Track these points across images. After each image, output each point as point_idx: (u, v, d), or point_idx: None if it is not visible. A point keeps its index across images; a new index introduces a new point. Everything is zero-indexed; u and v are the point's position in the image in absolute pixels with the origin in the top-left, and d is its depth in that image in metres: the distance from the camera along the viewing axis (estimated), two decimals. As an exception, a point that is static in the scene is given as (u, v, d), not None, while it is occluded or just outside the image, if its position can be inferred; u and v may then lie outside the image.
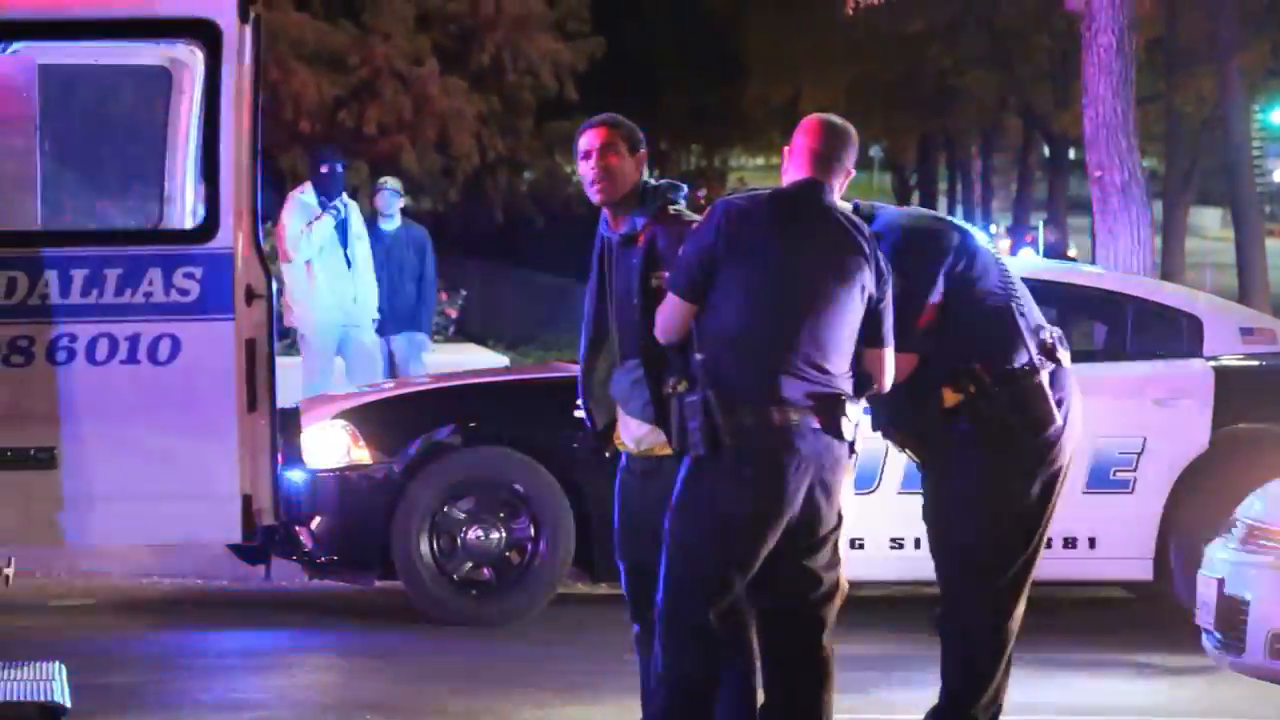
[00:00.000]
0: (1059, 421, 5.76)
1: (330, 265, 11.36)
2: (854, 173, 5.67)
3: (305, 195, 11.50)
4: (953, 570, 5.81)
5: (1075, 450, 5.88)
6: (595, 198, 5.69)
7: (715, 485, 5.40)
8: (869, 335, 5.51)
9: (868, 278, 5.49)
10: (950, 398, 5.72)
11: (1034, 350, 5.76)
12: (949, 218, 6.08)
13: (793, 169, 5.59)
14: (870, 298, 5.49)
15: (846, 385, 5.47)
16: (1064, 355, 5.84)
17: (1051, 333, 5.85)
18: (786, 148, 5.65)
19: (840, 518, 5.54)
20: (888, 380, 5.56)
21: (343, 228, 11.42)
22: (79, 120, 6.99)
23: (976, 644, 5.80)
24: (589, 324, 5.75)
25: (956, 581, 5.81)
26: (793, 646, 5.53)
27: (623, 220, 5.66)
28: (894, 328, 5.58)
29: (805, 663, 5.51)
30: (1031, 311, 5.85)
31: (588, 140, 5.68)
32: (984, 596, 5.79)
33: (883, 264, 5.54)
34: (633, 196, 5.66)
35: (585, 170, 5.68)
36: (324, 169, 11.52)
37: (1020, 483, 5.77)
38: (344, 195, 11.62)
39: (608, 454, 5.84)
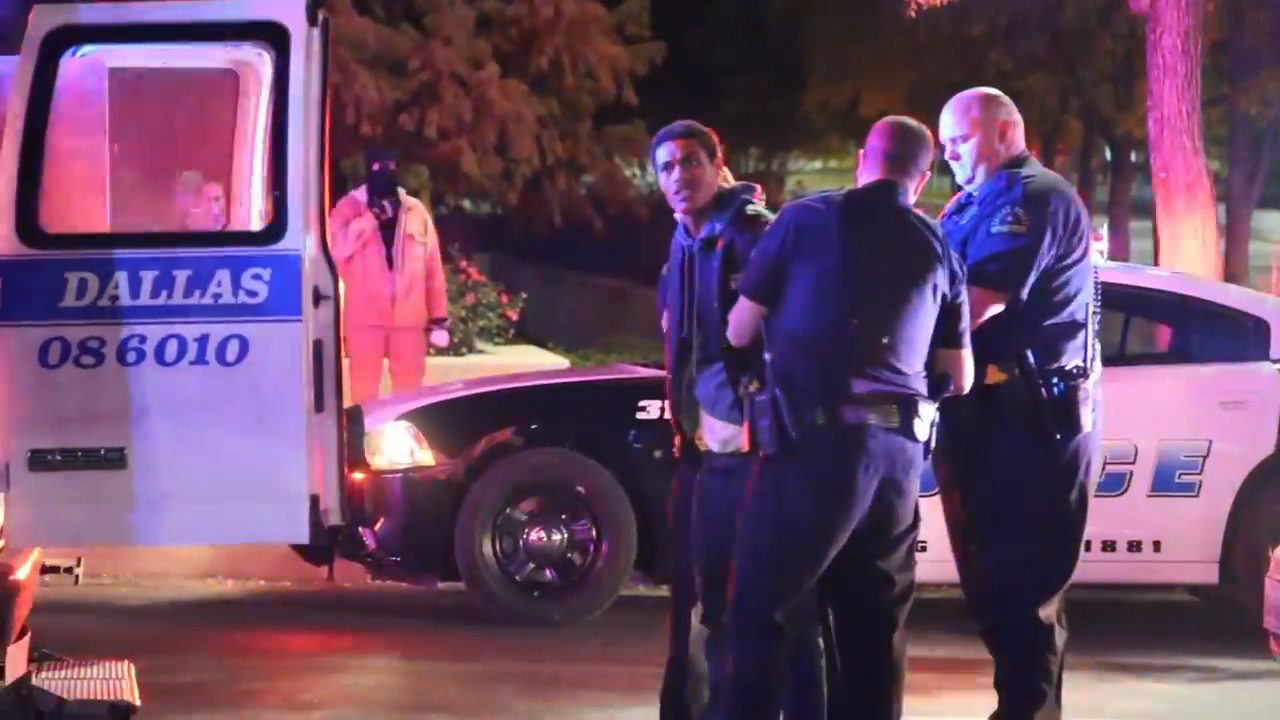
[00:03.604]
0: (1087, 429, 5.77)
1: (369, 264, 11.31)
2: (929, 175, 5.67)
3: (357, 193, 11.53)
4: (998, 584, 5.80)
5: (1099, 460, 5.90)
6: (680, 209, 5.73)
7: (784, 485, 5.40)
8: (945, 335, 5.50)
9: (941, 278, 5.48)
10: (994, 375, 5.72)
11: (1087, 356, 5.78)
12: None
13: (866, 171, 5.60)
14: (944, 297, 5.49)
15: (920, 385, 5.46)
16: (1098, 366, 5.87)
17: (1095, 344, 5.88)
18: (861, 150, 5.66)
19: (916, 519, 5.53)
20: (967, 382, 5.55)
21: (389, 227, 11.38)
22: (147, 123, 7.04)
23: (1031, 654, 5.79)
24: (674, 334, 5.75)
25: (1004, 595, 5.80)
26: (864, 646, 5.52)
27: (703, 225, 5.69)
28: (993, 266, 5.59)
29: (875, 663, 5.51)
30: (1095, 319, 5.87)
31: (668, 152, 5.71)
32: (1034, 606, 5.79)
33: (955, 264, 5.55)
34: (712, 202, 5.68)
35: (668, 183, 5.72)
36: (375, 167, 11.55)
37: (1058, 490, 5.77)
38: (402, 192, 11.62)
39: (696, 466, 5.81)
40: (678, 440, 5.83)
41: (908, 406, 5.42)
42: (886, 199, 5.54)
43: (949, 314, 5.50)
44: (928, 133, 5.69)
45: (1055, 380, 5.73)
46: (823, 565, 5.45)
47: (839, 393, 5.38)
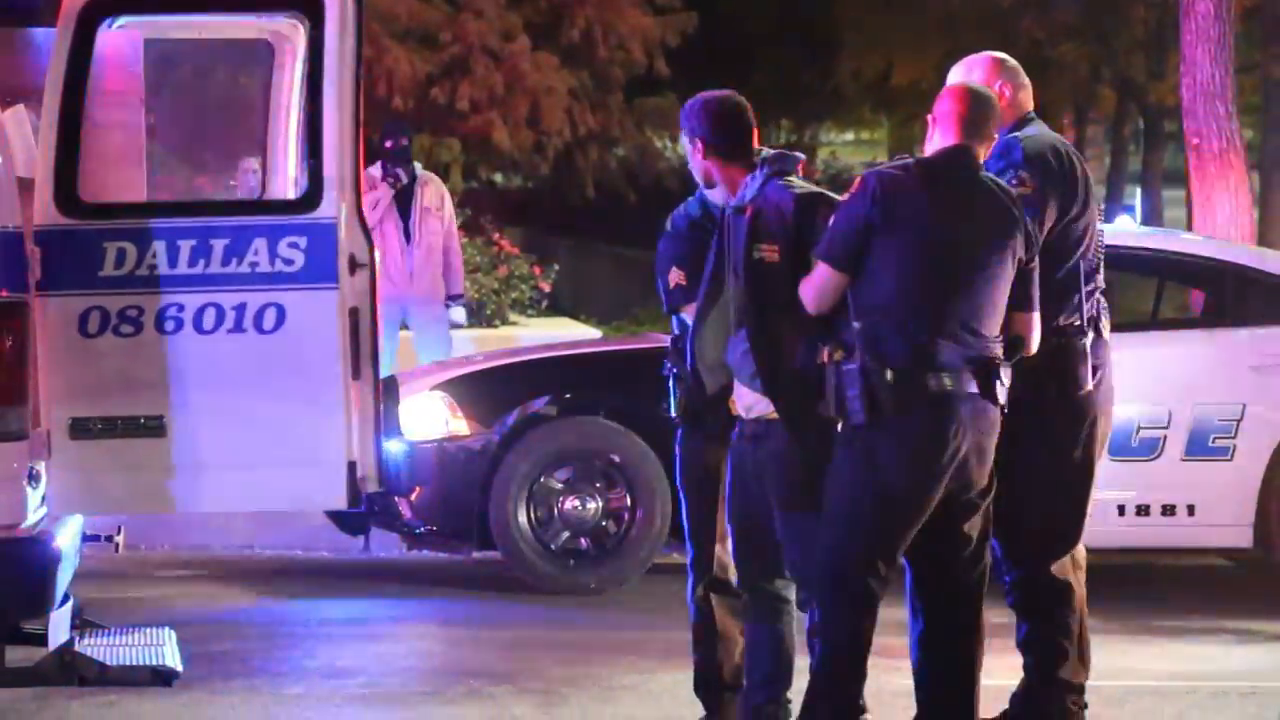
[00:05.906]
0: (1089, 386, 5.79)
1: (386, 238, 11.30)
2: (996, 139, 5.70)
3: (372, 169, 11.53)
4: (1008, 543, 5.83)
5: (1107, 421, 5.90)
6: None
7: (875, 453, 5.42)
8: (1019, 299, 5.55)
9: (1019, 243, 5.53)
10: None
11: (1085, 314, 5.79)
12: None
13: (940, 135, 5.59)
14: (1019, 261, 5.53)
15: (999, 349, 5.51)
16: (1105, 326, 5.88)
17: (1099, 302, 5.88)
18: (930, 115, 5.65)
19: (993, 481, 5.55)
20: (1035, 343, 5.60)
21: (406, 201, 11.38)
22: (183, 93, 7.08)
23: (1048, 612, 5.82)
24: (708, 288, 5.76)
25: (1016, 554, 5.84)
26: (946, 609, 5.54)
27: (737, 191, 5.74)
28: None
29: (957, 624, 5.54)
30: (1096, 278, 5.88)
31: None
32: (1045, 564, 5.83)
33: (1030, 228, 5.57)
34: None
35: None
36: (388, 144, 11.54)
37: (1062, 448, 5.79)
38: (418, 167, 11.61)
39: (705, 421, 5.84)
40: (682, 394, 5.83)
41: (990, 371, 5.45)
42: (965, 164, 5.55)
43: (1022, 278, 5.55)
44: (995, 98, 5.70)
45: (1051, 338, 5.74)
46: (913, 531, 5.47)
47: (929, 360, 5.40)
